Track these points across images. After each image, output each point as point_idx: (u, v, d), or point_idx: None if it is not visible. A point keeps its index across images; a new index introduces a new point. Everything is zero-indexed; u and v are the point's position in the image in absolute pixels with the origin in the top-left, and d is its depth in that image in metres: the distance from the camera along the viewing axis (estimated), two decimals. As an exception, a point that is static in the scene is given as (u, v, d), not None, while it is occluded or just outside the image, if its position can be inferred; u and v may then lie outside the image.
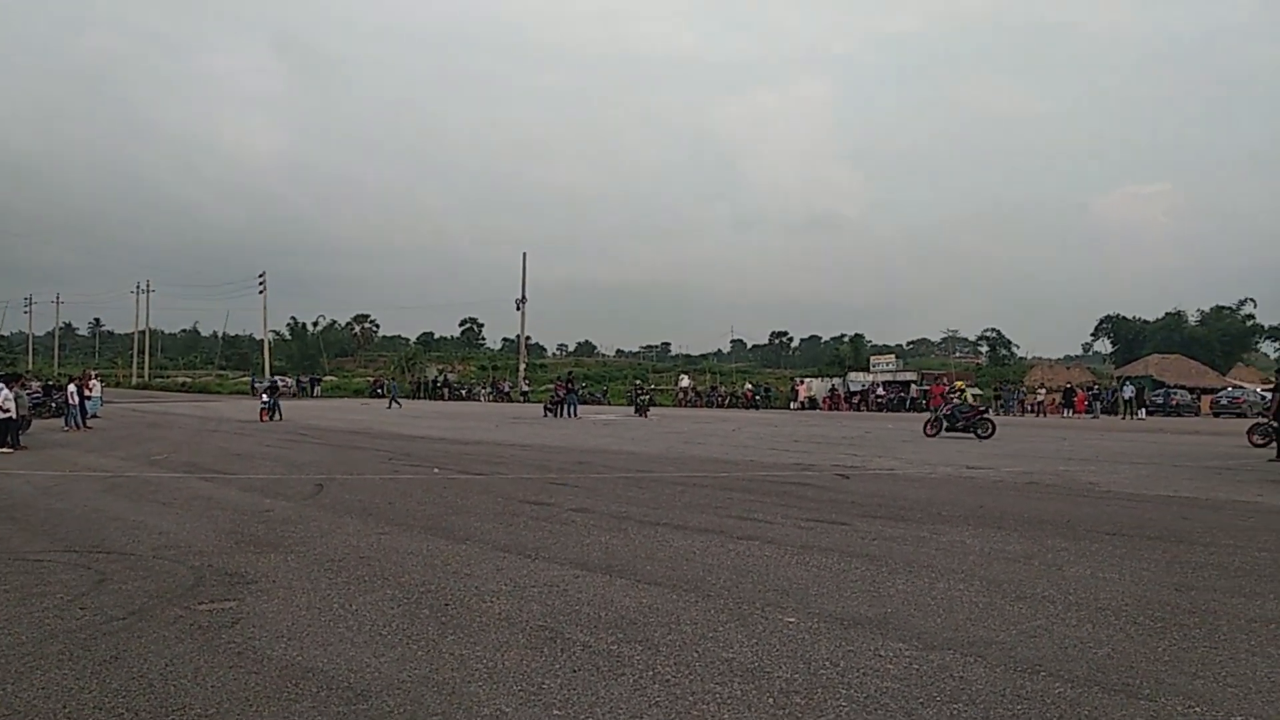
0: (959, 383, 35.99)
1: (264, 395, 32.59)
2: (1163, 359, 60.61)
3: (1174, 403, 47.14)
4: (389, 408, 42.43)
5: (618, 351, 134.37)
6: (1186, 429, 32.19)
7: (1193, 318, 76.51)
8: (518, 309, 62.38)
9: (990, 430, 23.99)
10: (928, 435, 24.79)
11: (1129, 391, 44.10)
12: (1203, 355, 64.85)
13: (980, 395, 40.29)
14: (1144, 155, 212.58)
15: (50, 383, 38.71)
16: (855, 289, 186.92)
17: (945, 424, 25.02)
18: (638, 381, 43.17)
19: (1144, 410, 43.27)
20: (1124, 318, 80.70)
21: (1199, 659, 4.60)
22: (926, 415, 27.92)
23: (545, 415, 36.21)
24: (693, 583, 6.24)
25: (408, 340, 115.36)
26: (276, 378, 61.29)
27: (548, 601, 5.70)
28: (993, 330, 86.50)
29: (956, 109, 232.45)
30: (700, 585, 6.16)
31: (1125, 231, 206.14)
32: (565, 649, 4.69)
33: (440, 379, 67.84)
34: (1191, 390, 50.43)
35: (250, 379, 76.73)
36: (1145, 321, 78.82)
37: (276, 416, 30.22)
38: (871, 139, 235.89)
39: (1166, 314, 77.42)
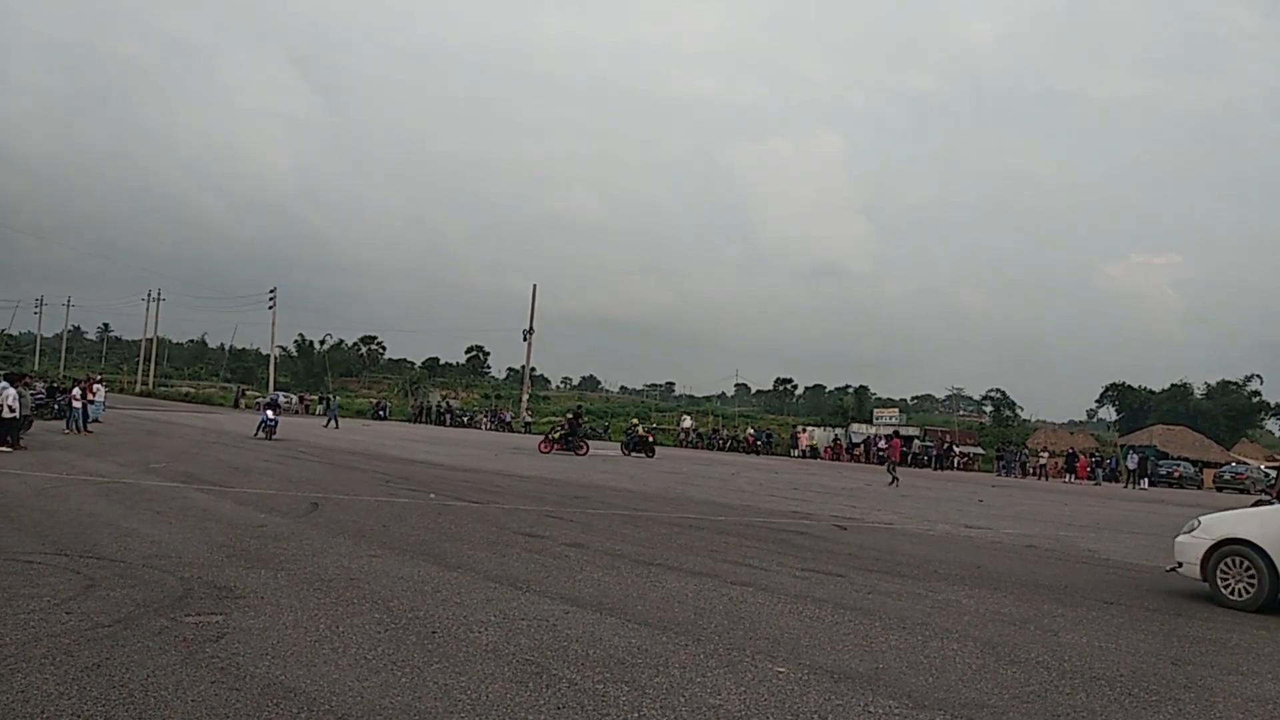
0: (634, 419, 46.27)
1: (267, 412, 29.71)
2: (1167, 430, 60.31)
3: (1177, 475, 46.85)
4: (326, 426, 41.48)
5: (621, 388, 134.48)
6: (1188, 501, 31.93)
7: (1199, 391, 76.46)
8: (524, 340, 62.49)
9: (652, 453, 34.26)
10: (625, 455, 33.33)
11: (1133, 461, 43.87)
12: (1208, 429, 64.65)
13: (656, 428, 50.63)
14: (1154, 225, 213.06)
15: (54, 384, 38.80)
16: (861, 341, 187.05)
17: (629, 449, 34.33)
18: (569, 414, 41.04)
19: (1147, 480, 43.00)
20: (1130, 386, 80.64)
21: (1193, 736, 4.53)
22: (928, 470, 28.68)
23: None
24: (684, 626, 6.18)
25: (413, 364, 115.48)
26: (278, 393, 59.93)
27: (536, 636, 5.65)
28: (997, 391, 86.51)
29: (969, 169, 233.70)
30: (691, 629, 6.09)
31: (1133, 300, 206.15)
32: (551, 685, 4.64)
33: (443, 405, 67.90)
34: (1195, 463, 50.14)
35: (235, 391, 75.84)
36: (1151, 391, 78.74)
37: (271, 434, 27.99)
38: (884, 193, 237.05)
39: (1173, 385, 77.42)
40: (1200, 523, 9.44)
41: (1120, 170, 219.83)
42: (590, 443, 39.97)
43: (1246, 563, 8.67)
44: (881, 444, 50.97)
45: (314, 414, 62.26)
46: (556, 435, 33.08)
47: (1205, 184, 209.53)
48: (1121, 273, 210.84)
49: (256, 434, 28.26)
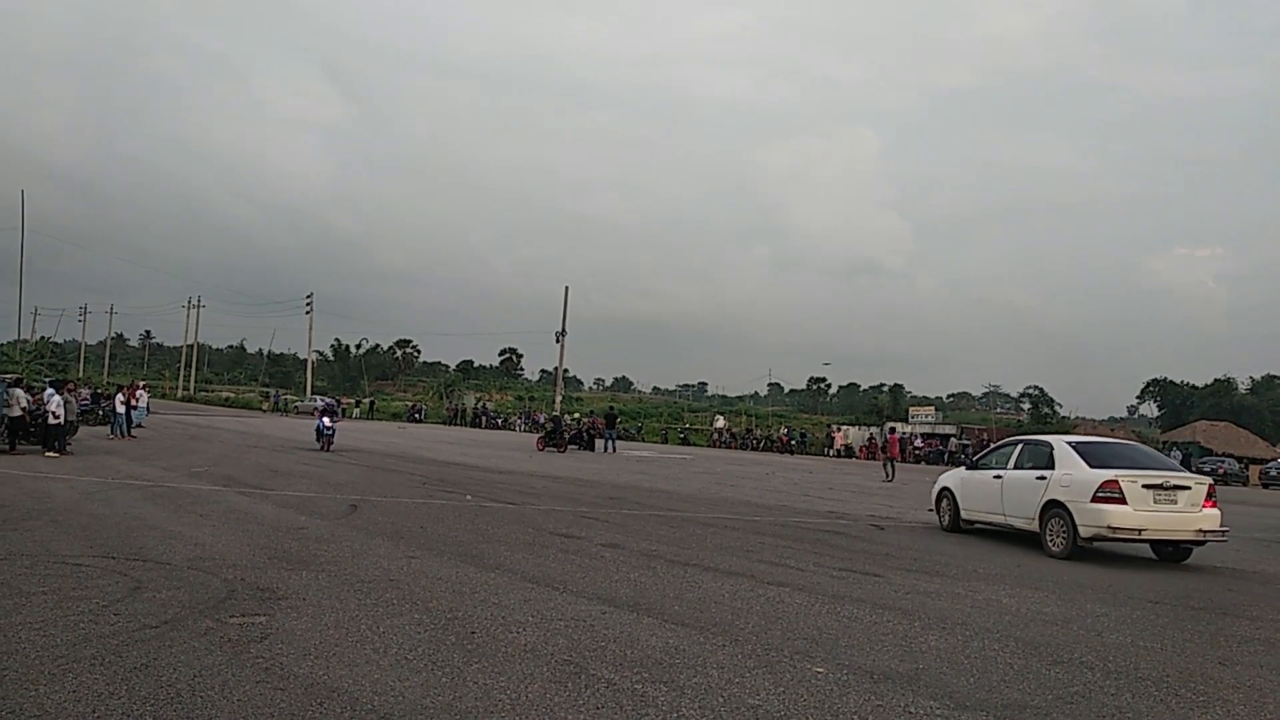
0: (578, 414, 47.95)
1: (323, 419, 25.94)
2: (1211, 426, 59.18)
3: (1221, 471, 45.92)
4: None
5: (654, 389, 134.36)
6: (1234, 499, 31.31)
7: (1243, 385, 75.00)
8: (557, 342, 62.65)
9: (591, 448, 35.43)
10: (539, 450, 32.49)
11: (1176, 458, 43.11)
12: (1253, 424, 63.41)
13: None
14: (1196, 218, 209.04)
15: (99, 391, 39.56)
16: (896, 339, 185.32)
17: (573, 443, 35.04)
18: (591, 415, 42.22)
19: (1190, 477, 42.13)
20: (1171, 382, 79.29)
21: (1243, 737, 4.44)
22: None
23: (577, 448, 36.15)
24: (721, 626, 6.17)
25: (448, 367, 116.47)
26: (329, 399, 55.07)
27: (574, 636, 5.67)
28: (1035, 388, 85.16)
29: (1005, 164, 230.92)
30: (729, 629, 6.08)
31: (1175, 294, 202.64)
32: (589, 685, 4.65)
33: (479, 407, 68.37)
34: (1240, 459, 49.12)
35: (273, 394, 76.04)
36: (1194, 387, 77.38)
37: (330, 445, 25.23)
38: (918, 190, 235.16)
39: (1216, 380, 76.01)
40: (939, 480, 14.64)
41: (1160, 163, 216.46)
42: (621, 443, 40.11)
43: (948, 502, 13.95)
44: (918, 443, 50.58)
45: (350, 417, 62.85)
46: (543, 433, 35.16)
47: (1247, 175, 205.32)
48: (1163, 266, 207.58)
49: (320, 443, 25.36)
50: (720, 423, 61.60)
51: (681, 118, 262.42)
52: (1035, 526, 11.69)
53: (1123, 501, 10.67)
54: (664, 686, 4.69)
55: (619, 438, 39.96)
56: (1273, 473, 44.61)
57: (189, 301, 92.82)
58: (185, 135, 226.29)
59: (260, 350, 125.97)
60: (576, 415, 44.92)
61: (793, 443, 53.76)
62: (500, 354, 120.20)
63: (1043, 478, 11.70)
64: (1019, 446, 12.95)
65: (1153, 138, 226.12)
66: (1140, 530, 10.68)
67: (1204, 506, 10.98)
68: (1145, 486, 10.78)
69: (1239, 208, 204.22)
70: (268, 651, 4.96)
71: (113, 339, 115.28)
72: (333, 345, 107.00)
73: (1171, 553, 11.58)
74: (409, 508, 12.47)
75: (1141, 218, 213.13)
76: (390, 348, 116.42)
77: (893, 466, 29.03)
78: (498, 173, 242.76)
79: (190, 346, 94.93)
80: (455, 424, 63.29)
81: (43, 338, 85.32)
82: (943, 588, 8.35)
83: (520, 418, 63.80)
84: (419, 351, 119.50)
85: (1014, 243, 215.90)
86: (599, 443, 36.96)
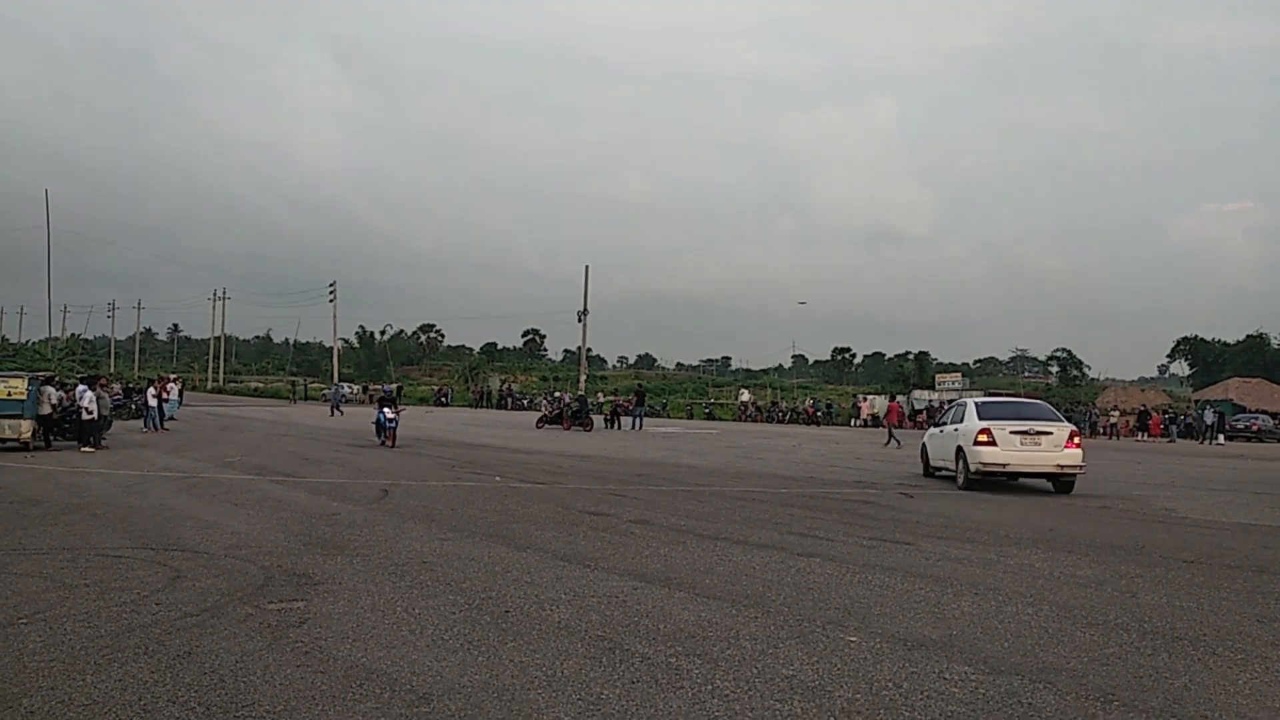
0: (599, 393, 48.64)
1: (384, 411, 22.74)
2: (1244, 383, 58.36)
3: (1255, 428, 45.31)
4: (332, 415, 40.56)
5: (678, 365, 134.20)
6: (1269, 455, 30.93)
7: (1276, 341, 73.75)
8: (579, 321, 62.69)
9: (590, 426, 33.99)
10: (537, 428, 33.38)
11: (1210, 416, 42.55)
12: (1287, 379, 62.33)
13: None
14: (1224, 173, 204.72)
15: (130, 385, 40.13)
16: (921, 306, 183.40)
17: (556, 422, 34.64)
18: (614, 395, 43.10)
19: (1223, 435, 41.68)
20: (1203, 339, 78.24)
21: (1283, 694, 4.40)
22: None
23: (606, 426, 36.31)
24: (752, 598, 6.19)
25: (472, 350, 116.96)
26: (388, 385, 51.68)
27: (607, 612, 5.71)
28: (1063, 350, 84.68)
29: (1029, 125, 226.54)
30: (760, 601, 6.11)
31: (1204, 250, 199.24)
32: (624, 660, 4.69)
33: (504, 389, 68.72)
34: (1274, 415, 48.41)
35: (303, 384, 75.68)
36: (1225, 344, 76.30)
37: (394, 440, 22.02)
38: (940, 155, 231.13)
39: (1248, 336, 74.88)
40: (923, 437, 18.28)
41: (1187, 118, 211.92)
42: (647, 420, 40.21)
43: (924, 455, 17.37)
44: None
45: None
46: (569, 413, 35.20)
47: (1275, 127, 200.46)
48: (1192, 224, 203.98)
49: (381, 438, 22.32)
50: (745, 396, 61.54)
51: (701, 92, 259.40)
52: (954, 467, 15.04)
53: (993, 444, 13.88)
54: (698, 659, 4.72)
55: (645, 414, 40.10)
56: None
57: (215, 294, 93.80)
58: (207, 128, 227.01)
59: (286, 340, 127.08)
60: (578, 393, 45.10)
61: (819, 414, 53.63)
62: (523, 335, 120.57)
63: (957, 429, 15.13)
64: (955, 407, 16.48)
65: (1179, 93, 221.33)
66: (1005, 465, 13.90)
67: (1066, 447, 13.89)
68: (1013, 433, 13.97)
69: (1268, 161, 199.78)
70: (307, 636, 5.04)
71: (141, 333, 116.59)
72: (357, 332, 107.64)
73: (1055, 487, 14.31)
74: (439, 491, 12.58)
75: (1169, 175, 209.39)
76: (414, 333, 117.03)
77: (891, 434, 29.15)
78: (518, 154, 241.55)
79: (218, 338, 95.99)
80: (481, 406, 63.59)
81: (73, 335, 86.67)
82: (974, 554, 8.33)
83: (545, 398, 63.99)
84: (443, 336, 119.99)
85: (1039, 204, 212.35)
86: (625, 420, 37.06)
